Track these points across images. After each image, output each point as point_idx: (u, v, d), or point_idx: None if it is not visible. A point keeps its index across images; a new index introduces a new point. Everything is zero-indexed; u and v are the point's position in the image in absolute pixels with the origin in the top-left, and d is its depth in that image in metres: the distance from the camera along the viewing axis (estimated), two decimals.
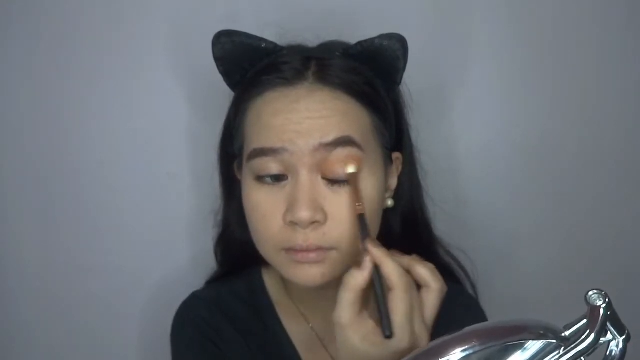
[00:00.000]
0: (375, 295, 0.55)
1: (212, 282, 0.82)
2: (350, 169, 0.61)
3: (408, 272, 0.57)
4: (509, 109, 0.94)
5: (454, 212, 0.85)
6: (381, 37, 0.65)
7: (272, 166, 0.62)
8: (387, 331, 0.53)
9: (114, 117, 0.89)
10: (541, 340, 0.43)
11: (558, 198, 0.97)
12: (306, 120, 0.61)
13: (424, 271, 0.58)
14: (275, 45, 0.67)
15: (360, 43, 0.65)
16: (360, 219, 0.59)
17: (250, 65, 0.67)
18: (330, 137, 0.61)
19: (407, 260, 0.59)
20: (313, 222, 0.61)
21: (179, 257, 0.94)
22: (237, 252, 0.77)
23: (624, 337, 0.43)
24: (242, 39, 0.66)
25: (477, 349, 0.42)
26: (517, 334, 0.43)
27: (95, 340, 0.94)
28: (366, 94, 0.65)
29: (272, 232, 0.63)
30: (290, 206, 0.61)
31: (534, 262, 0.98)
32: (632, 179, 0.97)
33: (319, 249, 0.62)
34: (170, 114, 0.90)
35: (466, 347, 0.42)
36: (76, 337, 0.94)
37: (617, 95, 0.95)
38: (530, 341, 0.42)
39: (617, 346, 0.43)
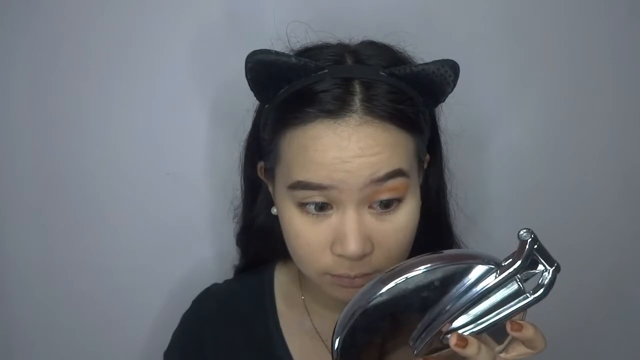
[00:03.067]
0: None
1: (238, 267, 0.85)
2: None
3: None
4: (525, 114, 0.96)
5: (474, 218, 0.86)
6: (435, 63, 0.62)
7: (317, 198, 0.61)
8: None
9: (114, 117, 0.89)
10: (485, 266, 0.54)
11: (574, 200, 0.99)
12: (356, 159, 0.59)
13: None
14: (306, 62, 0.62)
15: (410, 67, 0.62)
16: None
17: (286, 83, 0.63)
18: (382, 173, 0.60)
19: None
20: (363, 256, 0.61)
21: (178, 257, 0.94)
22: (260, 244, 0.79)
23: (553, 267, 0.54)
24: (280, 58, 0.61)
25: (438, 265, 0.54)
26: (469, 260, 0.55)
27: (95, 341, 0.94)
28: (413, 121, 0.63)
29: (317, 260, 0.63)
30: (340, 240, 0.61)
31: None
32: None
33: (364, 275, 0.62)
34: (170, 114, 0.90)
35: (429, 265, 0.54)
36: (76, 338, 0.94)
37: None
38: (478, 266, 0.54)
39: (548, 275, 0.54)
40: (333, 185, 0.59)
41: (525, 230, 0.53)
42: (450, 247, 0.80)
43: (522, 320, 0.55)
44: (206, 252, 0.93)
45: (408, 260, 0.55)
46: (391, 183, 0.60)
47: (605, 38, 0.94)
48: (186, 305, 0.80)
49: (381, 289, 0.54)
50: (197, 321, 0.78)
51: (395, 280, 0.53)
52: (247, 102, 0.85)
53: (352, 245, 0.59)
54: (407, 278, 0.53)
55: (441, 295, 0.54)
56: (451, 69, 0.62)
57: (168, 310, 0.89)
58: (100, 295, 0.93)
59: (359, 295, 0.55)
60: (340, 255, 0.61)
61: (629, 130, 0.98)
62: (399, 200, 0.62)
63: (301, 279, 0.77)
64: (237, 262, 0.86)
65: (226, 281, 0.82)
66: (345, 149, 0.59)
